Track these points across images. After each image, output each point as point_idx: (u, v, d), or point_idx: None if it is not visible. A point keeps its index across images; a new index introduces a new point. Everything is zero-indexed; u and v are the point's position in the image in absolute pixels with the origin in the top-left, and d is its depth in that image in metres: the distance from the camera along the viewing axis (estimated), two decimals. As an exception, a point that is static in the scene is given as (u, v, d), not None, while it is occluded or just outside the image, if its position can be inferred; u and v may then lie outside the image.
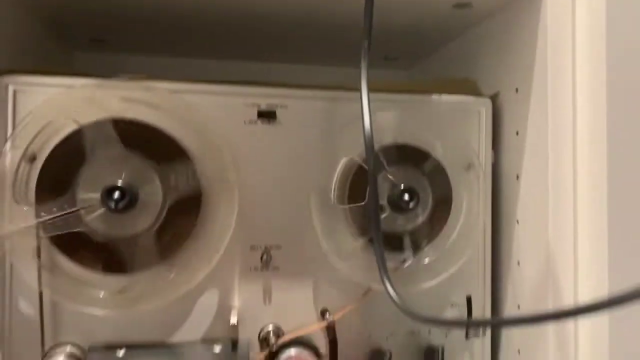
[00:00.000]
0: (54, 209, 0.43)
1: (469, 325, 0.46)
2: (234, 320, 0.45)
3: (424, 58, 0.74)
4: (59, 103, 0.43)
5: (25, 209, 0.43)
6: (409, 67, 0.80)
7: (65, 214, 0.42)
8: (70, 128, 0.43)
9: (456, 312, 0.51)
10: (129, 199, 0.42)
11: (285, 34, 0.64)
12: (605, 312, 0.28)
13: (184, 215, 0.45)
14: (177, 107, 0.45)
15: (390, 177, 0.47)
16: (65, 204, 0.43)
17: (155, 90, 0.45)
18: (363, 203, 0.46)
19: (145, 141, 0.44)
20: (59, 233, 0.43)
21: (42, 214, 0.42)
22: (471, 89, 0.55)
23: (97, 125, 0.43)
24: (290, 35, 0.65)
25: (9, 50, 0.51)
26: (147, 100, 0.45)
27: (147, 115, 0.45)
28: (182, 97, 0.46)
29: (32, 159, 0.43)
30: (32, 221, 0.42)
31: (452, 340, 0.51)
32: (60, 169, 0.43)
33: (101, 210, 0.42)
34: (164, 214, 0.44)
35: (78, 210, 0.42)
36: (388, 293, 0.37)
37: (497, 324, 0.42)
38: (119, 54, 0.74)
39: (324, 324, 0.48)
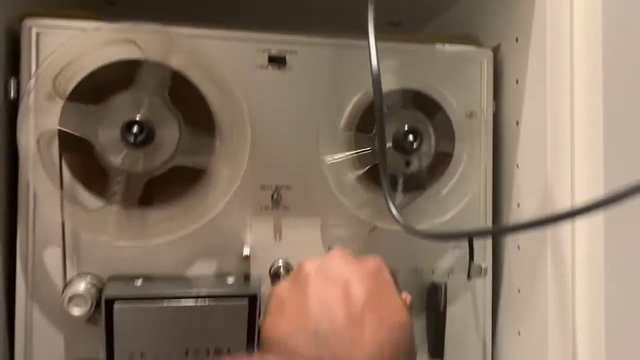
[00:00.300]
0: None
1: (471, 235, 0.48)
2: (246, 252, 0.47)
3: (427, 23, 0.76)
4: (79, 44, 0.45)
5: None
6: (412, 32, 0.82)
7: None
8: (89, 69, 0.45)
9: (458, 253, 0.54)
10: (147, 133, 0.44)
11: (294, 2, 0.66)
12: (600, 211, 0.29)
13: (199, 152, 0.47)
14: (191, 50, 0.47)
15: (386, 108, 0.49)
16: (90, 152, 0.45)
17: (169, 34, 0.47)
18: (371, 134, 0.49)
19: (159, 81, 0.46)
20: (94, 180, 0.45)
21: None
22: (472, 42, 0.57)
23: (115, 66, 0.45)
24: (295, 3, 0.67)
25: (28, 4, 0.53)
26: (158, 42, 0.47)
27: (159, 56, 0.47)
28: (197, 42, 0.48)
29: (54, 97, 0.46)
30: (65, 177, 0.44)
31: (454, 281, 0.54)
32: (80, 109, 0.45)
33: (120, 144, 0.45)
34: (180, 149, 0.46)
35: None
36: (390, 210, 0.39)
37: (497, 232, 0.44)
38: (130, 19, 0.75)
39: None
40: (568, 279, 0.48)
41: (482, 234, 0.47)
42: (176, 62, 0.47)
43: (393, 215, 0.39)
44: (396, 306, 0.38)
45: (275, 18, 0.77)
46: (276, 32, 0.50)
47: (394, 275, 0.41)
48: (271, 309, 0.39)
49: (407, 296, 0.42)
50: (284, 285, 0.40)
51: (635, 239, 0.46)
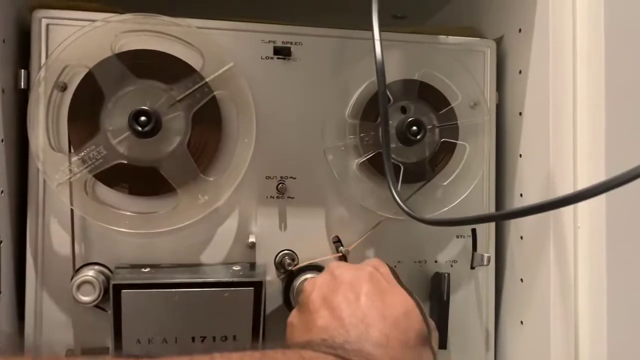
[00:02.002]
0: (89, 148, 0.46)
1: (473, 222, 0.49)
2: (252, 239, 0.48)
3: (431, 16, 0.77)
4: (86, 38, 0.46)
5: (59, 155, 0.46)
6: (417, 26, 0.82)
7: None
8: (95, 61, 0.46)
9: (462, 243, 0.54)
10: (155, 122, 0.45)
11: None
12: (602, 193, 0.30)
13: (206, 142, 0.48)
14: (199, 41, 0.48)
15: (390, 98, 0.50)
16: (99, 141, 0.46)
17: (179, 25, 0.48)
18: (375, 123, 0.49)
19: (167, 71, 0.47)
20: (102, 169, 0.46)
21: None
22: (474, 34, 0.57)
23: (119, 58, 0.46)
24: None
25: None
26: (168, 33, 0.47)
27: (168, 47, 0.48)
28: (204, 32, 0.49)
29: (64, 88, 0.46)
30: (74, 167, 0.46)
31: (457, 271, 0.54)
32: (89, 99, 0.46)
33: (127, 134, 0.45)
34: (186, 139, 0.47)
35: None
36: (394, 198, 0.40)
37: (500, 216, 0.44)
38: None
39: (338, 254, 0.51)
40: (570, 269, 0.48)
41: (486, 219, 0.47)
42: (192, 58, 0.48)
43: (397, 202, 0.40)
44: (397, 297, 0.40)
45: (280, 10, 0.77)
46: (281, 23, 0.51)
47: (393, 270, 0.44)
48: (286, 337, 0.42)
49: None
50: (293, 312, 0.43)
51: (637, 229, 0.47)
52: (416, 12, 0.76)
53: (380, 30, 0.46)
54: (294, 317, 0.42)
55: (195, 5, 0.74)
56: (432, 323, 0.42)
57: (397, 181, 0.51)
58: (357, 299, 0.39)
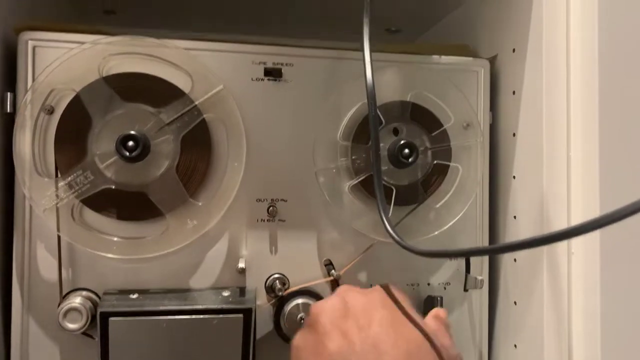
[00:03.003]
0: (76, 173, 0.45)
1: (467, 254, 0.48)
2: (241, 264, 0.48)
3: (425, 30, 0.76)
4: (74, 61, 0.45)
5: (45, 180, 0.45)
6: (411, 40, 0.82)
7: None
8: (82, 84, 0.45)
9: (455, 265, 0.54)
10: (143, 147, 0.44)
11: (290, 7, 0.66)
12: (594, 231, 0.29)
13: (195, 166, 0.47)
14: (188, 63, 0.47)
15: (382, 120, 0.49)
16: (86, 165, 0.45)
17: (168, 47, 0.47)
18: (367, 145, 0.49)
19: (156, 94, 0.46)
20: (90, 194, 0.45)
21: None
22: (469, 53, 0.57)
23: (106, 82, 0.45)
24: (295, 8, 0.67)
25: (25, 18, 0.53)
26: (156, 55, 0.47)
27: (157, 69, 0.47)
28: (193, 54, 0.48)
29: (51, 111, 0.46)
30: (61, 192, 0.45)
31: (451, 293, 0.53)
32: (76, 122, 0.45)
33: (115, 159, 0.45)
34: (175, 163, 0.46)
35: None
36: (385, 228, 0.39)
37: (493, 250, 0.44)
38: (128, 27, 0.76)
39: (330, 278, 0.50)
40: (564, 293, 0.48)
41: (478, 252, 0.47)
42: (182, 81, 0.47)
43: (389, 233, 0.39)
44: (411, 326, 0.38)
45: (274, 26, 0.77)
46: (272, 44, 0.50)
47: (404, 296, 0.42)
48: None
49: (439, 311, 0.42)
50: (298, 335, 0.40)
51: (630, 251, 0.46)
52: (410, 27, 0.75)
53: (372, 51, 0.46)
54: (300, 340, 0.40)
55: (190, 20, 0.74)
56: (454, 351, 0.40)
57: (389, 203, 0.50)
58: (369, 325, 0.37)
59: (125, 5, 0.67)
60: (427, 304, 0.52)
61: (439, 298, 0.51)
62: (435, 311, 0.43)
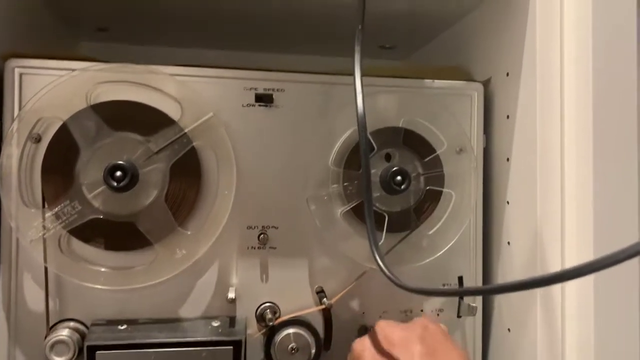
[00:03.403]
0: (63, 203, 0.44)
1: (460, 294, 0.48)
2: (231, 295, 0.47)
3: (419, 48, 0.76)
4: (62, 88, 0.45)
5: (32, 210, 0.44)
6: (405, 57, 0.81)
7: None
8: (71, 112, 0.45)
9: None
10: (131, 176, 0.43)
11: (282, 25, 0.66)
12: (589, 274, 0.29)
13: (184, 195, 0.47)
14: (178, 90, 0.47)
15: (374, 146, 0.49)
16: (73, 195, 0.44)
17: (157, 73, 0.46)
18: (359, 172, 0.48)
19: (145, 122, 0.46)
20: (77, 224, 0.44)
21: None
22: (462, 75, 0.56)
23: (95, 110, 0.45)
24: (287, 27, 0.66)
25: (17, 37, 0.52)
26: (146, 83, 0.46)
27: (146, 97, 0.46)
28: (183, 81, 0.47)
29: (38, 140, 0.45)
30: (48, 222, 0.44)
31: (444, 319, 0.53)
32: (64, 151, 0.45)
33: (103, 188, 0.44)
34: (164, 192, 0.46)
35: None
36: (376, 260, 0.39)
37: (488, 291, 0.43)
38: (121, 43, 0.75)
39: (322, 307, 0.49)
40: (558, 320, 0.47)
41: (469, 292, 0.46)
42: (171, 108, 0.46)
43: (381, 269, 0.39)
44: (450, 358, 0.41)
45: (266, 44, 0.76)
46: (263, 69, 0.50)
47: (441, 329, 0.45)
48: None
49: None
50: None
51: (624, 280, 0.46)
52: (404, 44, 0.75)
53: (364, 76, 0.45)
54: None
55: (183, 37, 0.74)
56: None
57: (382, 230, 0.50)
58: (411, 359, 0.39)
59: (117, 22, 0.67)
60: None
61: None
62: None
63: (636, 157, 0.46)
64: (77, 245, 0.46)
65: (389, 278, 0.38)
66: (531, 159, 0.49)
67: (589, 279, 0.45)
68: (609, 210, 0.46)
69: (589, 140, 0.45)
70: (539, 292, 0.48)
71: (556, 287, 0.47)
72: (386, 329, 0.43)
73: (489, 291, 0.47)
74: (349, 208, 0.50)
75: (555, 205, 0.48)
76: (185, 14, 0.63)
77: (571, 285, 0.47)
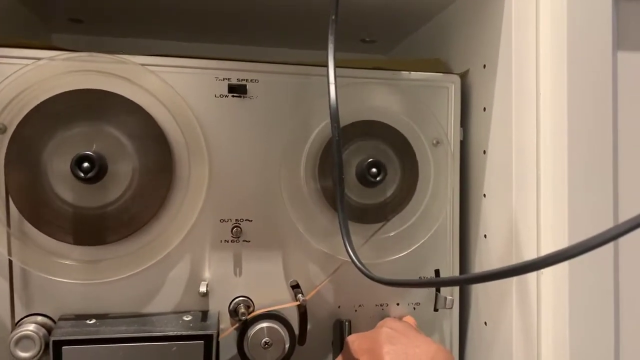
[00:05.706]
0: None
1: (433, 285, 0.47)
2: (202, 289, 0.46)
3: (400, 41, 0.75)
4: (28, 77, 0.44)
5: None
6: (387, 50, 0.81)
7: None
8: (37, 101, 0.44)
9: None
10: (99, 169, 0.42)
11: (259, 17, 0.65)
12: (564, 261, 0.28)
13: (155, 187, 0.46)
14: (148, 80, 0.46)
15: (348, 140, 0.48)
16: (39, 187, 0.43)
17: (127, 63, 0.45)
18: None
19: (114, 112, 0.45)
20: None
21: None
22: (441, 67, 0.56)
23: (62, 99, 0.44)
24: (264, 20, 0.66)
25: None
26: (115, 73, 0.45)
27: (115, 86, 0.45)
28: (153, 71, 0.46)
29: (3, 130, 0.44)
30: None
31: (421, 313, 0.53)
32: (29, 141, 0.44)
33: (69, 180, 0.43)
34: (134, 184, 0.45)
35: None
36: (348, 252, 0.38)
37: (465, 280, 0.43)
38: (96, 36, 0.74)
39: (297, 302, 0.49)
40: (533, 312, 0.47)
41: (442, 283, 0.46)
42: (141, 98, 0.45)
43: (353, 262, 0.38)
44: (419, 347, 0.42)
45: (243, 37, 0.75)
46: (236, 59, 0.49)
47: (407, 323, 0.46)
48: None
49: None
50: None
51: (598, 270, 0.46)
52: (385, 37, 0.74)
53: (340, 67, 0.45)
54: None
55: (157, 29, 0.72)
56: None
57: (358, 222, 0.49)
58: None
59: (92, 14, 0.66)
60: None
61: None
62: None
63: (611, 150, 0.46)
64: (44, 238, 0.45)
65: (360, 270, 0.38)
66: (507, 151, 0.49)
67: (563, 272, 0.45)
68: (584, 203, 0.45)
69: (564, 133, 0.45)
70: (514, 285, 0.48)
71: (532, 280, 0.47)
72: (354, 343, 0.44)
73: (463, 281, 0.46)
74: (323, 200, 0.49)
75: (531, 198, 0.48)
76: (158, 6, 0.62)
77: (547, 277, 0.47)
